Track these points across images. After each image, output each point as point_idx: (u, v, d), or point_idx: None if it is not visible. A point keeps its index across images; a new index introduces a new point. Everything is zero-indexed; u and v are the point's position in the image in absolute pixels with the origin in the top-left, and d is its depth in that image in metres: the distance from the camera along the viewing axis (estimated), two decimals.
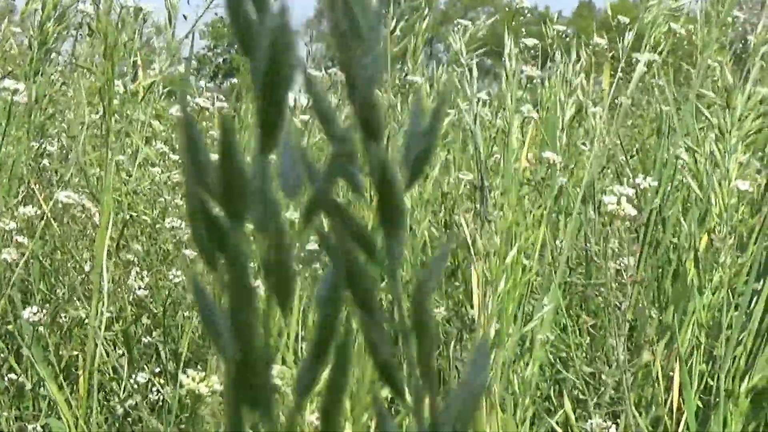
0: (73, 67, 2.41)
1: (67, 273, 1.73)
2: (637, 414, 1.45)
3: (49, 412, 1.61)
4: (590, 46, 2.10)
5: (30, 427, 1.57)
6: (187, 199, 0.29)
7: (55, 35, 1.88)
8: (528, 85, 1.90)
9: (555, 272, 1.64)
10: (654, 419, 1.56)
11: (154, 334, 1.75)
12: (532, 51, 2.23)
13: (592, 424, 1.29)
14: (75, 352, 1.69)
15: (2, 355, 1.67)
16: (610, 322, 1.49)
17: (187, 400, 1.14)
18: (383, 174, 0.31)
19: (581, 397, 1.54)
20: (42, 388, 1.61)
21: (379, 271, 0.32)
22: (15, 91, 1.80)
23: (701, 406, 1.51)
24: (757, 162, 1.72)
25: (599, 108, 1.84)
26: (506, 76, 1.77)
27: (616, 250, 1.67)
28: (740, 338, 1.50)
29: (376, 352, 0.34)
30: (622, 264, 1.67)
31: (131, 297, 1.72)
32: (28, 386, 1.63)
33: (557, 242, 1.79)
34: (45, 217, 1.69)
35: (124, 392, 1.62)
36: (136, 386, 1.60)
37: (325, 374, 0.33)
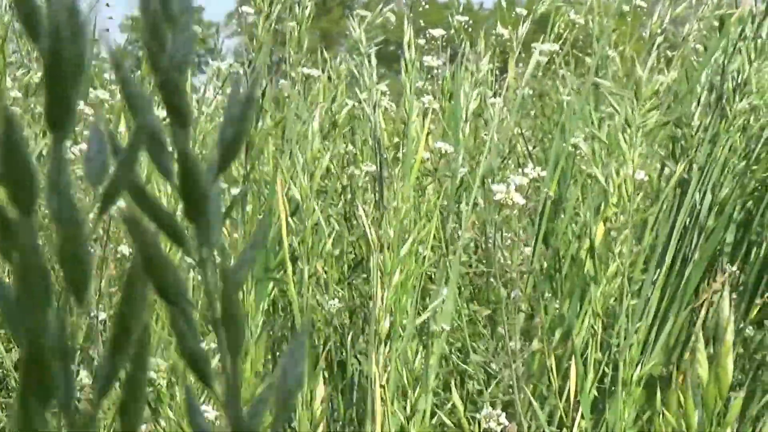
0: None
1: None
2: (534, 403, 1.44)
3: None
4: (495, 37, 2.10)
5: None
6: None
7: None
8: (429, 76, 1.88)
9: (450, 263, 1.63)
10: (551, 410, 1.55)
11: None
12: (439, 41, 2.22)
13: (482, 414, 1.28)
14: None
15: None
16: (499, 311, 1.48)
17: None
18: (184, 161, 0.30)
19: (477, 387, 1.53)
20: None
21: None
22: None
23: (597, 395, 1.51)
24: (661, 151, 1.72)
25: (499, 99, 1.83)
26: (405, 66, 1.76)
27: (508, 240, 1.67)
28: (635, 328, 1.50)
29: (183, 342, 0.33)
30: (516, 254, 1.66)
31: None
32: None
33: (460, 233, 1.78)
34: None
35: None
36: None
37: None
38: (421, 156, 1.64)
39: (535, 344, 1.43)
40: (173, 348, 1.40)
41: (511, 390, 1.47)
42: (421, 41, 2.21)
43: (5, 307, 0.29)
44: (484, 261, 1.82)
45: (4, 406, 1.76)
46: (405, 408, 1.55)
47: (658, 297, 1.57)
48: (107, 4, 3.39)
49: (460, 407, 1.36)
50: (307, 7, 1.95)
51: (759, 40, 1.61)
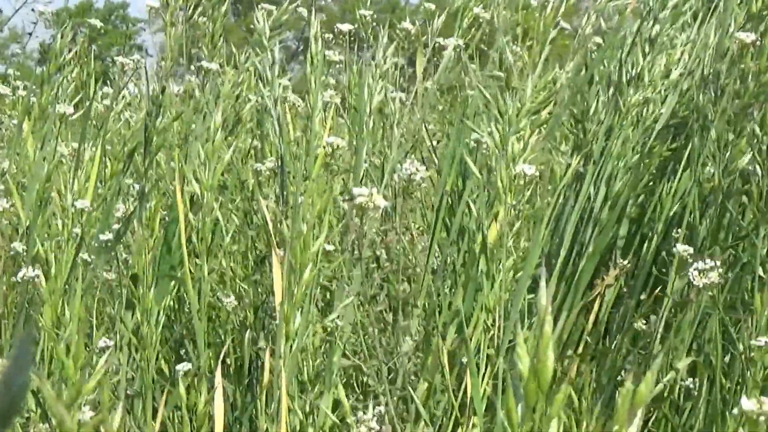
0: None
1: None
2: (417, 400, 1.43)
3: None
4: (400, 31, 2.09)
5: None
6: None
7: None
8: (330, 71, 1.87)
9: (354, 262, 1.61)
10: (447, 406, 1.55)
11: None
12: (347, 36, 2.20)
13: (352, 420, 1.27)
14: None
15: None
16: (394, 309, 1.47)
17: None
18: None
19: (372, 384, 1.52)
20: None
21: None
22: None
23: (490, 391, 1.50)
24: (552, 145, 1.72)
25: (402, 94, 1.82)
26: (310, 59, 1.74)
27: (408, 236, 1.66)
28: (529, 323, 1.50)
29: None
30: (416, 250, 1.66)
31: None
32: None
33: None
34: None
35: None
36: None
37: None
38: (323, 151, 1.63)
39: (408, 343, 1.42)
40: None
41: (404, 387, 1.46)
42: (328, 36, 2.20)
43: None
44: (386, 257, 1.81)
45: None
46: (304, 406, 1.54)
47: (552, 291, 1.57)
48: None
49: (345, 402, 1.34)
50: (223, 3, 1.94)
51: (653, 32, 1.62)
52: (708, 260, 1.28)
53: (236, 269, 2.02)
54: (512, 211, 1.47)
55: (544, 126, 1.62)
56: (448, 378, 1.49)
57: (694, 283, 1.26)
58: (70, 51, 1.94)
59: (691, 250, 1.42)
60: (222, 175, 1.83)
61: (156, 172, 2.02)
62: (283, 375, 1.48)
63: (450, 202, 1.70)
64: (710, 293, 1.28)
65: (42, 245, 1.68)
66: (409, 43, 2.12)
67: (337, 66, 1.90)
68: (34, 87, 1.97)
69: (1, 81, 2.35)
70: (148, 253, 1.74)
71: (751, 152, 1.42)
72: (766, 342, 1.30)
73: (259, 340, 1.73)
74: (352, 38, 2.17)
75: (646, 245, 1.59)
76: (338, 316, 1.56)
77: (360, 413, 1.25)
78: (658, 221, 1.57)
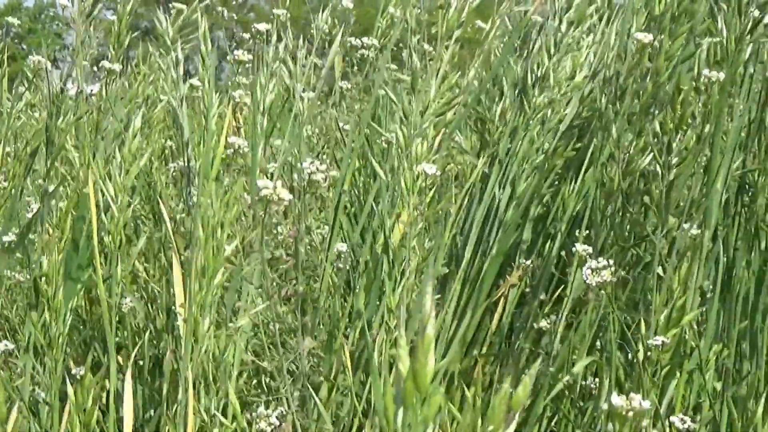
0: None
1: None
2: (317, 400, 1.42)
3: None
4: (315, 30, 2.08)
5: None
6: None
7: None
8: (239, 69, 1.86)
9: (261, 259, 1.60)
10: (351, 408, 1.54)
11: None
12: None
13: (254, 414, 1.26)
14: None
15: None
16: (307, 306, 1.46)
17: None
18: None
19: (274, 384, 1.51)
20: None
21: None
22: None
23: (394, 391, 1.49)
24: (456, 145, 1.72)
25: (309, 93, 1.81)
26: (201, 60, 1.72)
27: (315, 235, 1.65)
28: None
29: None
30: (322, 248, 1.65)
31: None
32: None
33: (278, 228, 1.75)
34: None
35: None
36: None
37: None
38: (222, 151, 1.61)
39: (308, 342, 1.41)
40: None
41: (303, 386, 1.45)
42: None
43: None
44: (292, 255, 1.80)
45: None
46: (210, 407, 1.52)
47: (458, 292, 1.57)
48: None
49: (236, 403, 1.33)
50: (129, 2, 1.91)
51: (558, 35, 1.62)
52: (602, 259, 1.28)
53: (149, 269, 2.00)
54: (415, 211, 1.46)
55: (449, 126, 1.61)
56: (350, 378, 1.48)
57: (587, 281, 1.26)
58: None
59: (590, 249, 1.42)
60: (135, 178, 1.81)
61: (63, 171, 1.99)
62: (190, 377, 1.46)
63: (359, 202, 1.70)
64: (605, 292, 1.28)
65: None
66: (327, 43, 2.11)
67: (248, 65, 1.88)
68: None
69: None
70: (59, 254, 1.71)
71: (651, 152, 1.43)
72: (662, 342, 1.30)
73: (161, 342, 1.71)
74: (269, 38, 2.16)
75: (548, 245, 1.59)
76: (236, 314, 1.55)
77: (260, 409, 1.24)
78: (562, 221, 1.57)
